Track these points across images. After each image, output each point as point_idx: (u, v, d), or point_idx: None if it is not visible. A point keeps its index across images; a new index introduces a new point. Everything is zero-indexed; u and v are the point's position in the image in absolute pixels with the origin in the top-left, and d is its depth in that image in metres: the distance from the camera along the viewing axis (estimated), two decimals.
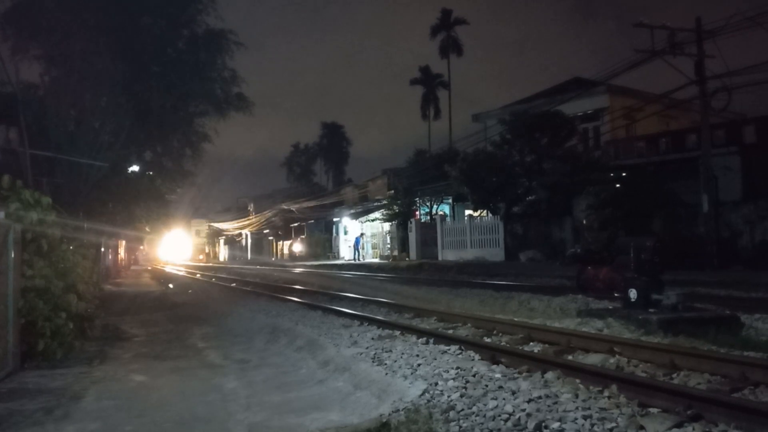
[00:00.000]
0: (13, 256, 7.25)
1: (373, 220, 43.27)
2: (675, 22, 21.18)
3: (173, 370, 7.49)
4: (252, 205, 68.88)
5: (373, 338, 8.16)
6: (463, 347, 7.00)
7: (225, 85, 17.32)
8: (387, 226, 41.67)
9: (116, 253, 31.18)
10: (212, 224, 76.30)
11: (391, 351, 7.05)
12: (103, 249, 22.39)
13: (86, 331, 9.49)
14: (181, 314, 13.80)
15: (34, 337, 7.55)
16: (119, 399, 6.07)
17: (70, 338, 8.23)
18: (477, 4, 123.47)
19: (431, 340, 7.61)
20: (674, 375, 5.61)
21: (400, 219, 38.43)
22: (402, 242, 38.42)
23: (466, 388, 5.20)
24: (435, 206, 37.84)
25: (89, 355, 8.43)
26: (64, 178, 15.12)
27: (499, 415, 4.47)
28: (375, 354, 6.97)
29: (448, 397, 5.04)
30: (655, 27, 20.85)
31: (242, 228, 66.03)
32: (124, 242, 31.75)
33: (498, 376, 5.54)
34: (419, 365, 6.20)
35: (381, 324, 9.36)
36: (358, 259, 41.15)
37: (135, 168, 18.79)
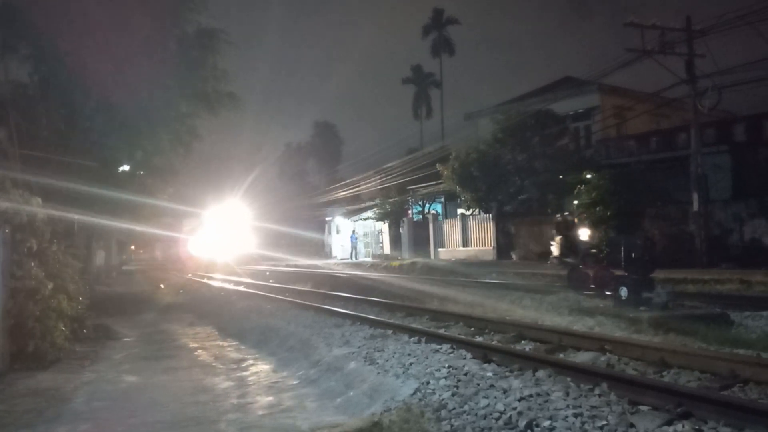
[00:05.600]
0: (2, 256, 7.21)
1: (365, 219, 43.24)
2: (665, 22, 21.26)
3: (165, 371, 7.47)
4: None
5: (365, 337, 8.14)
6: (454, 346, 6.99)
7: (216, 84, 17.25)
8: (379, 225, 41.64)
9: (109, 253, 31.05)
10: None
11: (383, 350, 7.04)
12: (95, 248, 22.24)
13: (77, 331, 9.44)
14: (172, 315, 13.76)
15: (24, 338, 7.50)
16: (110, 400, 6.06)
17: (60, 339, 8.18)
18: (468, 4, 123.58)
19: (423, 339, 7.61)
20: (664, 372, 5.64)
21: (393, 218, 38.44)
22: (394, 241, 38.42)
23: (457, 386, 5.20)
24: (427, 205, 37.85)
25: (80, 356, 8.40)
26: (54, 178, 15.00)
27: (491, 414, 4.48)
28: (367, 353, 6.97)
29: (440, 395, 5.04)
30: (645, 26, 20.90)
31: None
32: (115, 242, 31.59)
33: (489, 374, 5.54)
34: (411, 364, 6.19)
35: (373, 323, 9.35)
36: (354, 258, 40.96)
37: (125, 167, 18.67)
